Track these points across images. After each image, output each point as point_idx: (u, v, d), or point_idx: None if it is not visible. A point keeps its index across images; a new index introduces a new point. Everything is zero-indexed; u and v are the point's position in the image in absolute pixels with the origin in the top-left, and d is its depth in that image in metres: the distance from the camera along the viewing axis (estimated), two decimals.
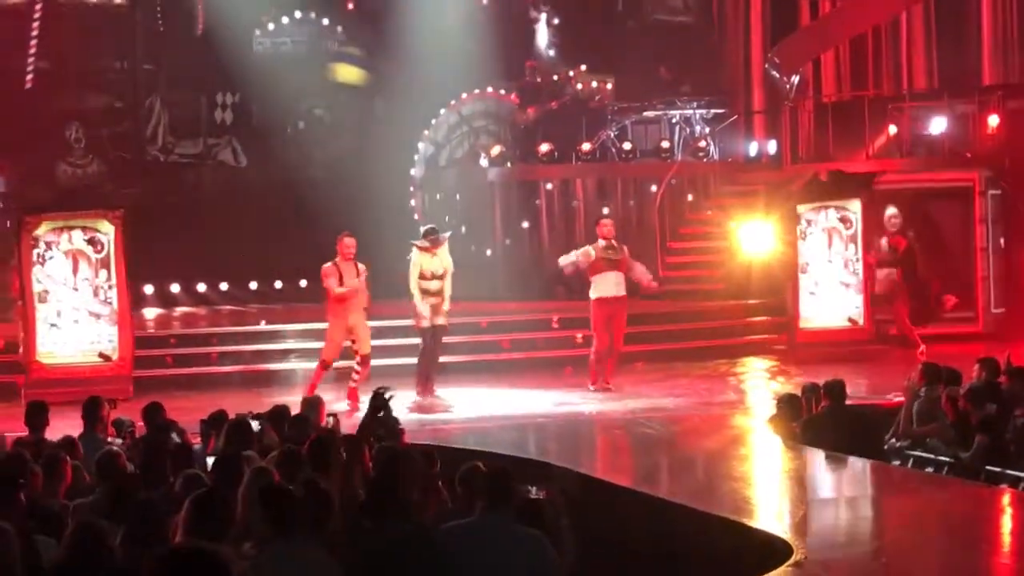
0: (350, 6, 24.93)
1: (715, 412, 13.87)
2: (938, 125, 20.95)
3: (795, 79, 22.66)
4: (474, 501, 6.95)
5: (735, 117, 23.18)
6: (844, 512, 8.85)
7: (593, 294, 15.27)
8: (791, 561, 7.11)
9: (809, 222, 18.13)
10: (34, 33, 22.79)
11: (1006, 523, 8.63)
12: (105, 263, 16.00)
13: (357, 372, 14.83)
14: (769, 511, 8.67)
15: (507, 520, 6.65)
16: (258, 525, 6.68)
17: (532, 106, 24.14)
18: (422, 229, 15.38)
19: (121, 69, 23.55)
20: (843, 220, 18.10)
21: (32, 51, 22.88)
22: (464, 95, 24.35)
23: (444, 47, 23.23)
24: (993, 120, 20.74)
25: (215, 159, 24.07)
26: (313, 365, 16.87)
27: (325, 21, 24.56)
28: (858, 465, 10.18)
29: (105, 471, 8.23)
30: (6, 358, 16.55)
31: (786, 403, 11.97)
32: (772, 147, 22.42)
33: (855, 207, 18.18)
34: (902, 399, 12.19)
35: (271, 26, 24.16)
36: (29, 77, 22.91)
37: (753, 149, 22.73)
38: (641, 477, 10.54)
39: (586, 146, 22.52)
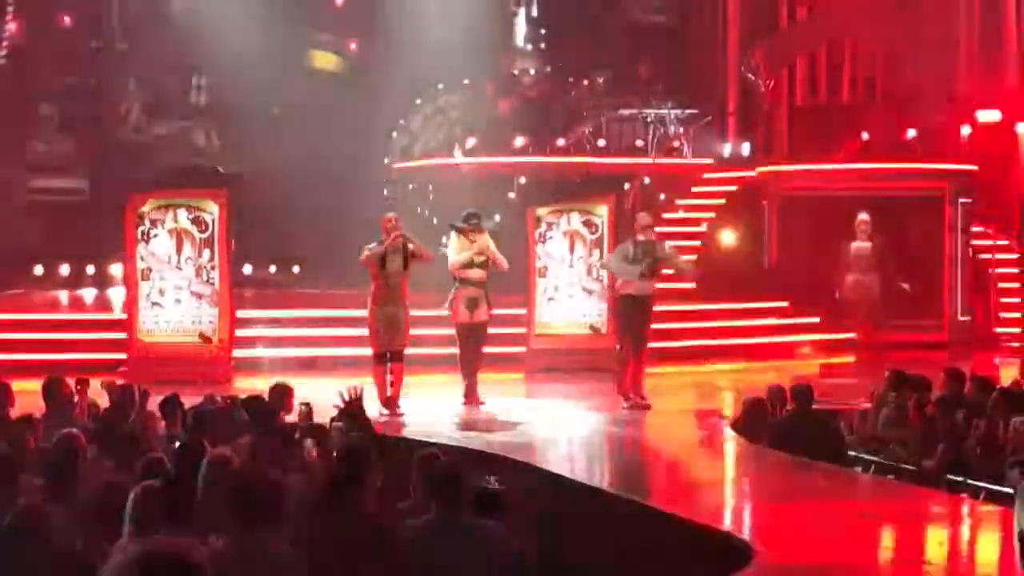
0: None
1: (681, 413, 13.87)
2: (910, 133, 21.06)
3: (770, 83, 22.75)
4: (428, 493, 6.93)
5: (709, 118, 23.22)
6: (806, 517, 8.88)
7: (621, 289, 13.85)
8: (752, 564, 7.13)
9: (549, 225, 17.32)
10: (9, 11, 22.67)
11: (964, 533, 8.68)
12: (209, 243, 15.90)
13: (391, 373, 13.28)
14: (732, 513, 8.70)
15: (465, 516, 6.63)
16: (216, 516, 6.66)
17: (507, 99, 24.12)
18: (463, 213, 14.05)
19: (96, 49, 23.44)
20: (587, 224, 17.31)
21: (6, 29, 22.76)
22: (440, 86, 24.32)
23: (421, 37, 23.15)
24: (965, 130, 20.86)
25: (188, 141, 23.98)
26: (280, 353, 16.83)
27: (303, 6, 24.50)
28: (821, 470, 10.21)
29: (61, 454, 8.15)
30: (108, 333, 16.47)
31: (752, 406, 12.02)
32: (746, 148, 22.48)
33: (601, 212, 17.38)
34: (868, 405, 12.24)
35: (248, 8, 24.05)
36: (3, 55, 22.79)
37: (727, 150, 22.79)
38: (604, 477, 10.53)
39: (561, 141, 22.51)
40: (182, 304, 15.85)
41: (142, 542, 5.52)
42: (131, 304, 15.86)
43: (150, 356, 15.67)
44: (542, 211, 17.47)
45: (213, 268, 15.90)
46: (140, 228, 15.78)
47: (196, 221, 15.88)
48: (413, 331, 13.64)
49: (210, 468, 7.50)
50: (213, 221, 15.90)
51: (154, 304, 15.81)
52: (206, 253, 15.89)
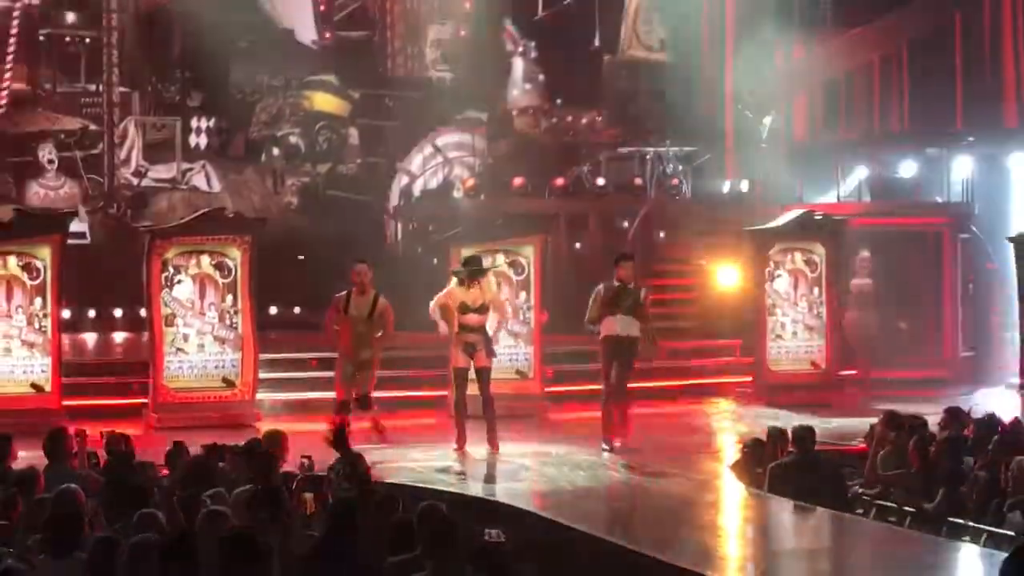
0: (328, 35, 24.97)
1: (682, 455, 13.80)
2: (908, 168, 21.09)
3: (767, 120, 22.80)
4: (425, 547, 6.91)
5: (708, 156, 23.26)
6: (806, 565, 8.86)
7: (603, 331, 13.72)
8: None
9: None
10: (10, 54, 22.79)
11: None
12: (231, 288, 15.89)
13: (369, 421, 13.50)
14: (732, 563, 8.67)
15: (459, 569, 6.62)
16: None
17: (506, 138, 24.23)
18: (462, 257, 14.17)
19: (96, 92, 23.52)
20: (513, 265, 16.58)
21: (7, 72, 22.87)
22: (439, 126, 24.43)
23: (421, 77, 23.22)
24: (963, 164, 20.86)
25: (188, 184, 24.03)
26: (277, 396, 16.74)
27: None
28: (821, 515, 10.18)
29: (60, 508, 8.13)
30: (134, 380, 16.38)
31: (751, 449, 11.99)
32: (744, 186, 22.51)
33: (527, 252, 16.66)
34: (864, 445, 12.21)
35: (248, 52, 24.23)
36: (3, 97, 22.88)
37: (726, 188, 22.82)
38: (603, 523, 10.49)
39: (559, 180, 22.57)
40: (205, 350, 15.86)
41: None
42: (156, 351, 15.81)
43: (175, 401, 15.66)
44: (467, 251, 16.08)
45: (236, 312, 15.90)
46: (164, 274, 15.76)
47: (219, 266, 15.89)
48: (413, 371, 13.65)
49: (205, 522, 7.51)
50: (236, 266, 15.93)
51: (178, 350, 15.80)
52: (228, 298, 15.90)
